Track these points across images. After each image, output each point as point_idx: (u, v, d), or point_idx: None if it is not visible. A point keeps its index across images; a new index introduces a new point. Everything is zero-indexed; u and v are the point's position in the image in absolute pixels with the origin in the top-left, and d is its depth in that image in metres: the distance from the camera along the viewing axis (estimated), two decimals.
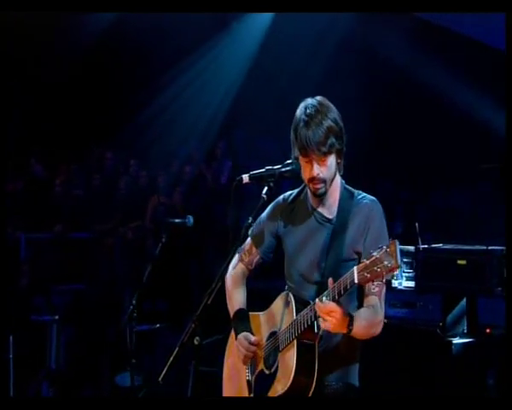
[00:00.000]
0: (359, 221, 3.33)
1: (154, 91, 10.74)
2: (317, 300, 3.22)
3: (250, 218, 3.32)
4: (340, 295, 3.15)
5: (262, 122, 10.58)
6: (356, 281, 3.04)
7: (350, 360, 3.48)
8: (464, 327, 5.96)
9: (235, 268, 3.74)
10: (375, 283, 3.30)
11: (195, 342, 3.19)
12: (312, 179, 3.37)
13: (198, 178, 10.32)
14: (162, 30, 9.79)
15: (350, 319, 3.21)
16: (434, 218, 7.73)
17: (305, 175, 3.38)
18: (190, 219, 4.97)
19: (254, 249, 3.66)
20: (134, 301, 4.95)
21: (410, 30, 9.06)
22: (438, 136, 9.10)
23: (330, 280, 3.20)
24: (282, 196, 3.59)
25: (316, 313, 3.22)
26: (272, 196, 3.42)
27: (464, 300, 6.00)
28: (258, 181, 3.32)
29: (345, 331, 3.23)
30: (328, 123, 3.31)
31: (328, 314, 3.17)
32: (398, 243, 2.91)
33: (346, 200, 3.45)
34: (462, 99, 9.18)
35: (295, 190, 3.59)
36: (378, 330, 3.36)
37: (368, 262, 2.99)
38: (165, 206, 9.59)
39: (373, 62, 9.79)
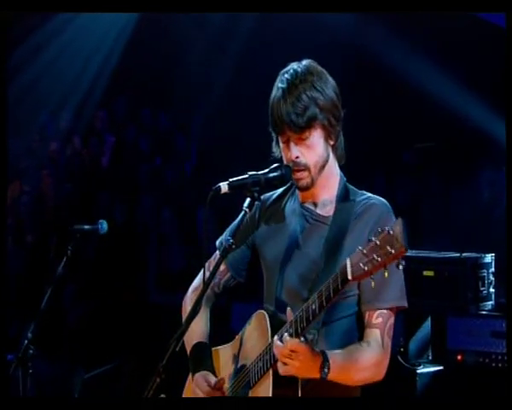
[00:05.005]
0: (364, 225, 3.10)
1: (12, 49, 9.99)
2: (275, 338, 2.97)
3: (229, 238, 3.11)
4: (328, 300, 2.86)
5: (149, 89, 10.21)
6: (350, 277, 2.76)
7: (347, 396, 3.16)
8: (429, 353, 5.88)
9: (197, 289, 3.44)
10: (378, 311, 3.08)
11: None
12: (292, 166, 3.17)
13: (71, 158, 9.69)
14: None
15: (323, 359, 2.93)
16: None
17: (286, 161, 3.19)
18: (104, 226, 4.45)
19: (223, 265, 3.39)
20: (30, 334, 4.21)
21: None
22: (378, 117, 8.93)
23: (289, 311, 2.99)
24: (261, 196, 3.32)
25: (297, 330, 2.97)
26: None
27: (429, 319, 5.86)
28: (239, 191, 3.12)
29: (317, 376, 2.94)
30: (311, 93, 3.10)
31: (289, 356, 2.90)
32: (403, 222, 2.69)
33: (347, 197, 3.23)
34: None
35: (280, 189, 3.37)
36: (377, 374, 3.09)
37: (365, 250, 2.73)
38: (30, 195, 8.98)
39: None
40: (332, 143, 3.18)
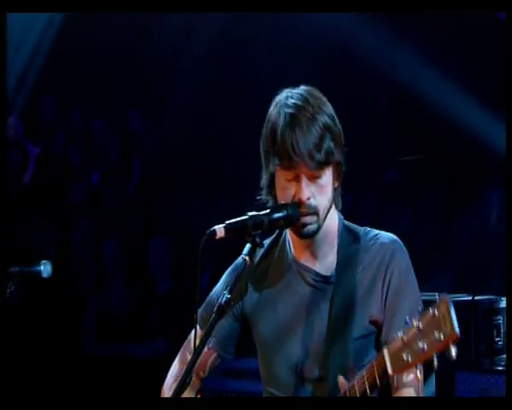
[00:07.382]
0: (373, 272, 3.08)
1: None
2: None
3: (225, 292, 2.96)
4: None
5: (80, 89, 9.61)
6: (390, 372, 2.72)
7: None
8: None
9: (176, 377, 3.30)
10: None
11: None
12: (301, 208, 3.09)
13: None
14: None
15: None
16: None
17: (286, 201, 3.09)
18: (48, 267, 4.24)
19: (208, 346, 3.30)
20: None
21: None
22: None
23: (341, 379, 2.94)
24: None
25: None
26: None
27: (433, 375, 5.09)
28: (238, 235, 3.02)
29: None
30: (323, 118, 3.04)
31: None
32: (450, 299, 2.60)
33: (350, 244, 3.16)
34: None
35: (265, 243, 3.26)
36: None
37: (406, 337, 2.66)
38: None
39: None
40: (336, 185, 3.12)
